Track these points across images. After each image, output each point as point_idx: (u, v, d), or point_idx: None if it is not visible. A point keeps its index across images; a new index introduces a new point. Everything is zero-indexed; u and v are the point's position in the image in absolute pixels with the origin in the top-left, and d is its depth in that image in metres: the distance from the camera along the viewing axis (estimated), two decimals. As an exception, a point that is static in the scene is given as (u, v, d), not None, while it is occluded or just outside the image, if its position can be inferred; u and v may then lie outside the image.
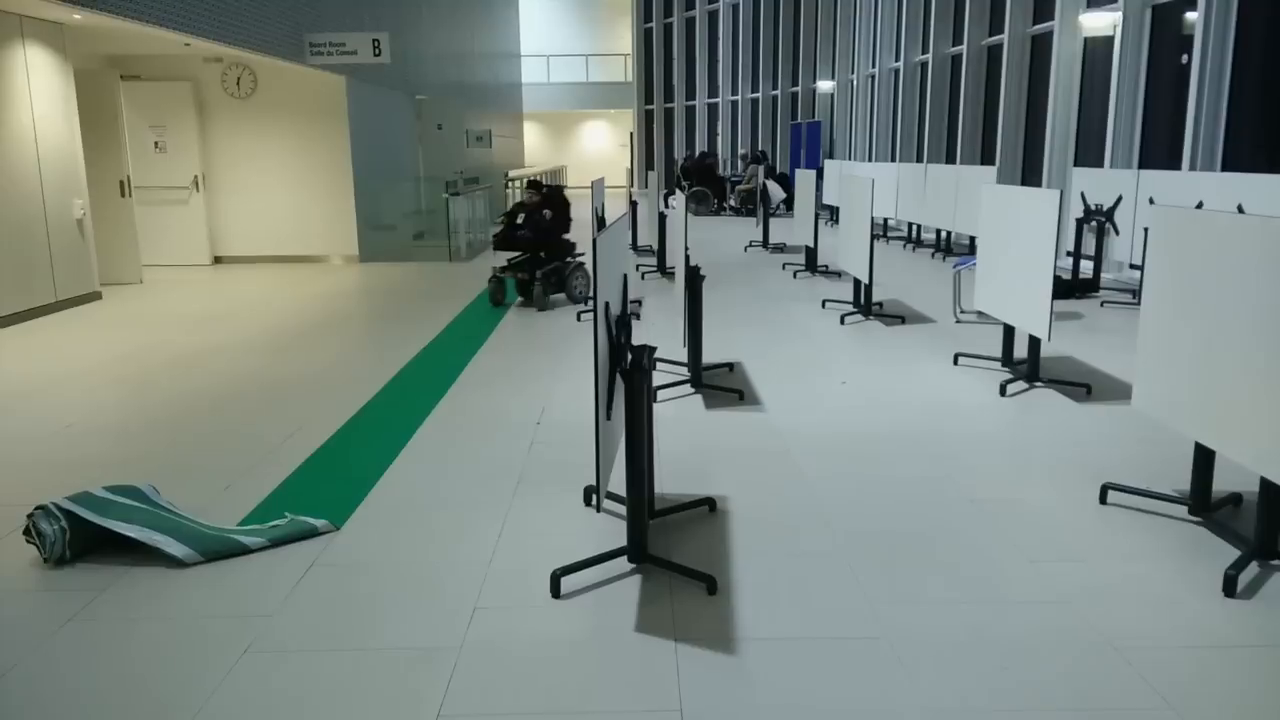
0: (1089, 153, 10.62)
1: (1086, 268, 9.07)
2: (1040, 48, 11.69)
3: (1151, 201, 8.21)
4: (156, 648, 2.77)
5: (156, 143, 11.61)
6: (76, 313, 8.54)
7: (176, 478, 4.14)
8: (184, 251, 11.83)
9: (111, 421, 5.12)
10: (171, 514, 3.53)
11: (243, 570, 3.26)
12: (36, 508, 3.33)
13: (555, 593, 3.05)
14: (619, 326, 3.13)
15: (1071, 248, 9.26)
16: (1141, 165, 9.61)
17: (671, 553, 3.33)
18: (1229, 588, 3.03)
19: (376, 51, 10.86)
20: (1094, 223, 8.92)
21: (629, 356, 3.11)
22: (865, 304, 7.89)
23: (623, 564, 3.23)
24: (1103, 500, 3.80)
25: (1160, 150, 9.50)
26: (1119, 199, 8.63)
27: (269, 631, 2.82)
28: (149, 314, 8.50)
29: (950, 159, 14.16)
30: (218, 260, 12.09)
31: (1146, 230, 8.01)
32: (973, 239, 10.99)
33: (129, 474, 4.12)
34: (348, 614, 2.95)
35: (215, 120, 11.87)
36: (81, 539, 3.30)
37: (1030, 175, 11.96)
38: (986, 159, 13.08)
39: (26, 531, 3.31)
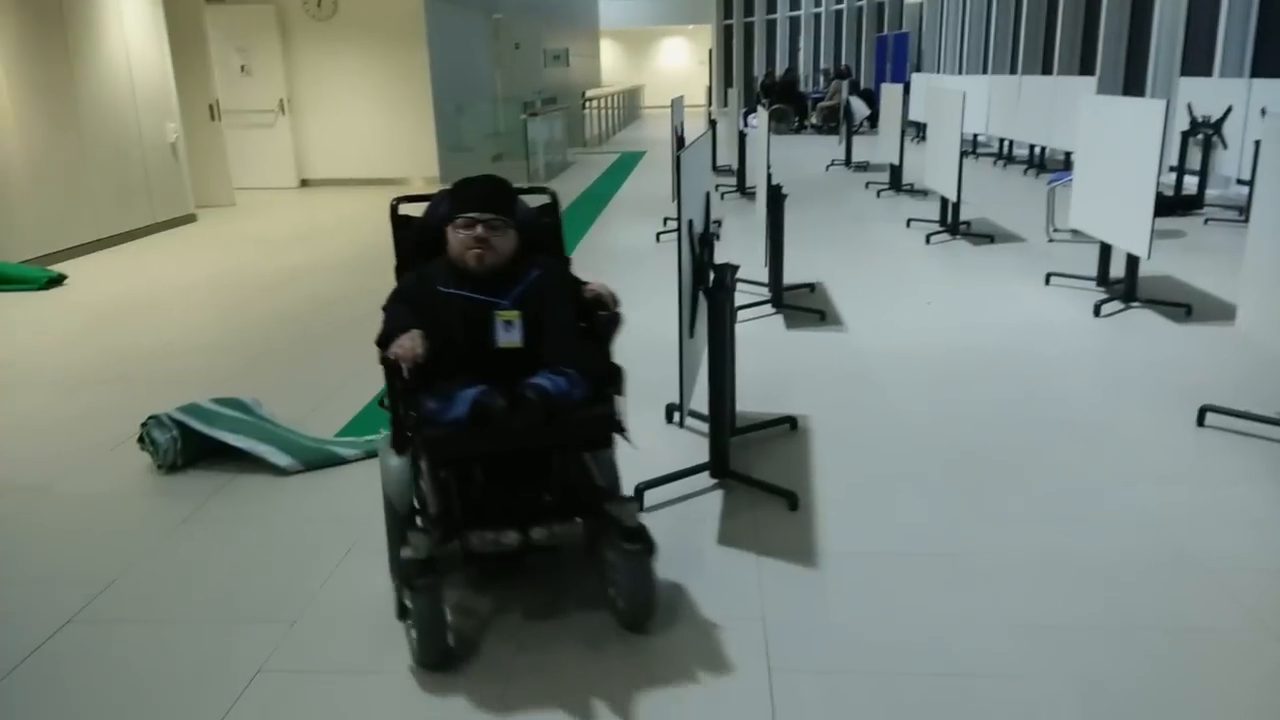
0: (1197, 60, 10.00)
1: (1190, 184, 8.64)
2: (1148, -52, 10.97)
3: (1264, 113, 7.73)
4: (265, 548, 2.93)
5: (242, 66, 11.78)
6: (173, 234, 8.85)
7: (273, 392, 4.30)
8: (272, 174, 12.07)
9: (211, 339, 5.33)
10: (273, 425, 3.70)
11: (341, 479, 3.41)
12: (150, 417, 3.52)
13: (639, 505, 3.12)
14: (702, 245, 3.12)
15: (1175, 163, 8.82)
16: (1254, 73, 9.03)
17: (752, 469, 3.36)
18: (1331, 513, 2.94)
19: (454, -31, 10.75)
20: (1200, 136, 8.46)
21: (712, 275, 3.11)
22: (952, 223, 7.68)
23: (704, 479, 3.28)
24: (1200, 423, 3.69)
25: (1276, 56, 8.89)
26: (1228, 110, 8.15)
27: (368, 535, 2.96)
28: (243, 235, 8.76)
29: (1047, 70, 13.50)
30: (304, 183, 12.33)
31: (1258, 143, 7.59)
32: (1068, 154, 10.54)
33: (228, 389, 4.30)
34: (441, 522, 3.06)
35: (298, 43, 11.97)
36: (192, 447, 3.49)
37: (1133, 86, 11.34)
38: (1086, 69, 12.43)
39: (141, 440, 3.51)
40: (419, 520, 2.49)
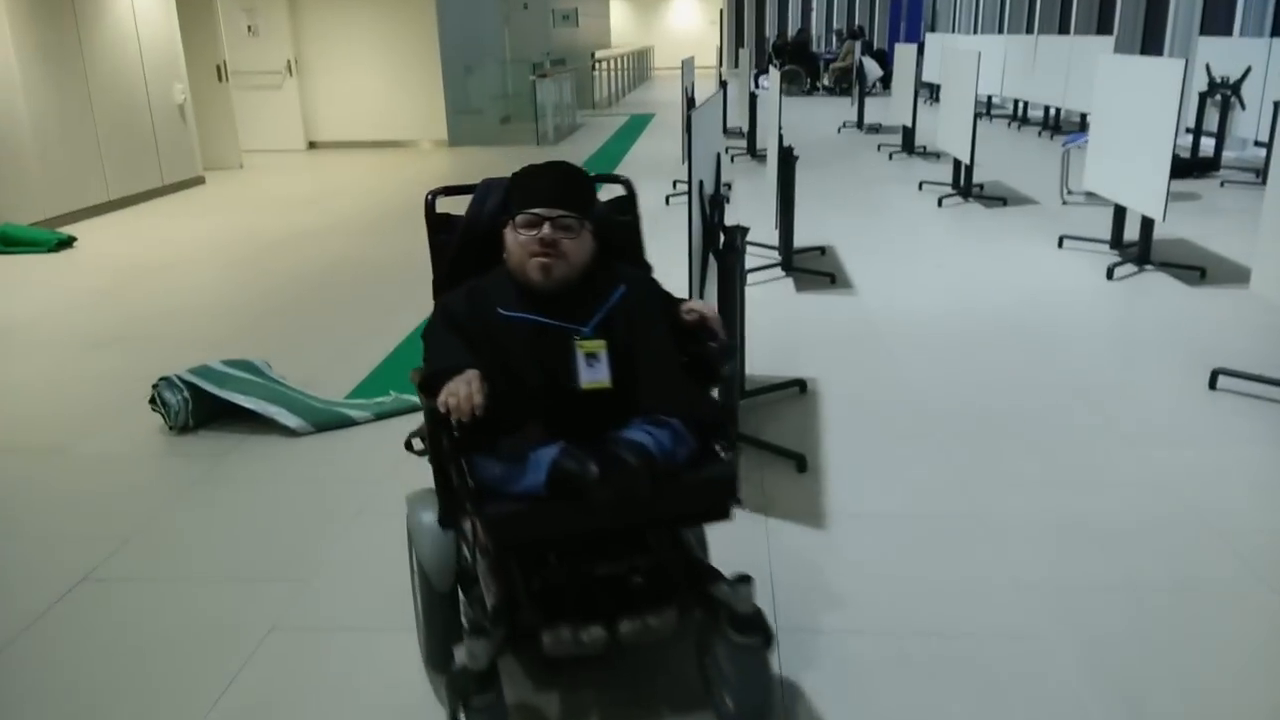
0: (1217, 20, 9.84)
1: (1207, 145, 8.52)
2: (1170, -97, 10.74)
3: (1285, 72, 7.61)
4: (276, 508, 2.96)
5: (249, 26, 11.67)
6: (182, 196, 8.83)
7: (282, 354, 4.31)
8: (280, 136, 11.99)
9: (220, 301, 5.34)
10: (284, 387, 3.71)
11: (351, 441, 3.43)
12: (161, 379, 3.53)
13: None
14: (713, 206, 3.09)
15: (1192, 124, 8.70)
16: (1275, 33, 8.87)
17: (761, 431, 3.36)
18: (1343, 476, 2.93)
19: (462, -74, 10.59)
20: (1218, 96, 8.33)
21: (722, 237, 3.09)
22: (965, 185, 7.61)
23: (714, 441, 3.27)
24: (1212, 386, 3.67)
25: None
26: (1247, 70, 8.01)
27: (378, 496, 2.97)
28: (251, 197, 8.74)
29: (1064, 29, 13.30)
30: (312, 145, 12.25)
31: (1277, 104, 7.47)
32: (1084, 116, 10.40)
33: (238, 351, 4.31)
34: (450, 483, 3.08)
35: (305, 3, 11.83)
36: (203, 409, 3.50)
37: (1150, 45, 11.17)
38: (1104, 28, 12.24)
39: (152, 401, 3.52)
40: (462, 594, 2.03)
